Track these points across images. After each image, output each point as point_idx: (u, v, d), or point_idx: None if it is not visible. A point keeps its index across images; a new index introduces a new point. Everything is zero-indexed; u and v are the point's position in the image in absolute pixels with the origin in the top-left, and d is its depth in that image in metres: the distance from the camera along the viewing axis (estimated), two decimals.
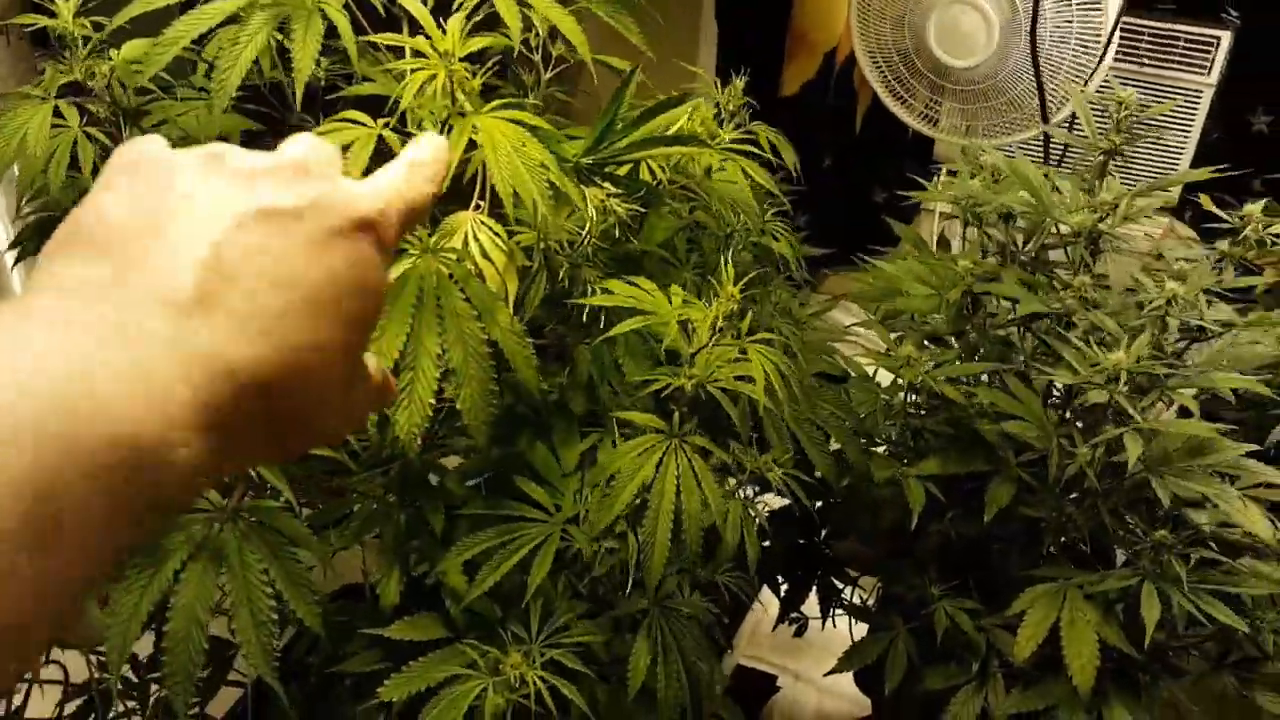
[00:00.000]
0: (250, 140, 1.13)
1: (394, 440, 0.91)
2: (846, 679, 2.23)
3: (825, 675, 1.49)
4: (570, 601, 0.98)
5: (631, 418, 0.94)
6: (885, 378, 1.45)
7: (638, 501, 0.90)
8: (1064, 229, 1.30)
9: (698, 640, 0.98)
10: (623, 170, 0.97)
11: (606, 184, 0.98)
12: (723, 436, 1.06)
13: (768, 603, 2.38)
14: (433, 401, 0.90)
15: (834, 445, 1.27)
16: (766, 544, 1.52)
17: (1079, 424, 1.28)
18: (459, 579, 0.95)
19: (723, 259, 0.94)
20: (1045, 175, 1.34)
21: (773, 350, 0.93)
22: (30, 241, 1.10)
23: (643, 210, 1.12)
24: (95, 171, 0.98)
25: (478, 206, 0.98)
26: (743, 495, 1.05)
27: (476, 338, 0.91)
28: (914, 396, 1.41)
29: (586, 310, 1.03)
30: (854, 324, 1.56)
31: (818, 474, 1.25)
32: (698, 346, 0.96)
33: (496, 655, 0.90)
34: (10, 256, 1.10)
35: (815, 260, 1.59)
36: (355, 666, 0.96)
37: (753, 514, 1.01)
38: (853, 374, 1.41)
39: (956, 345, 1.41)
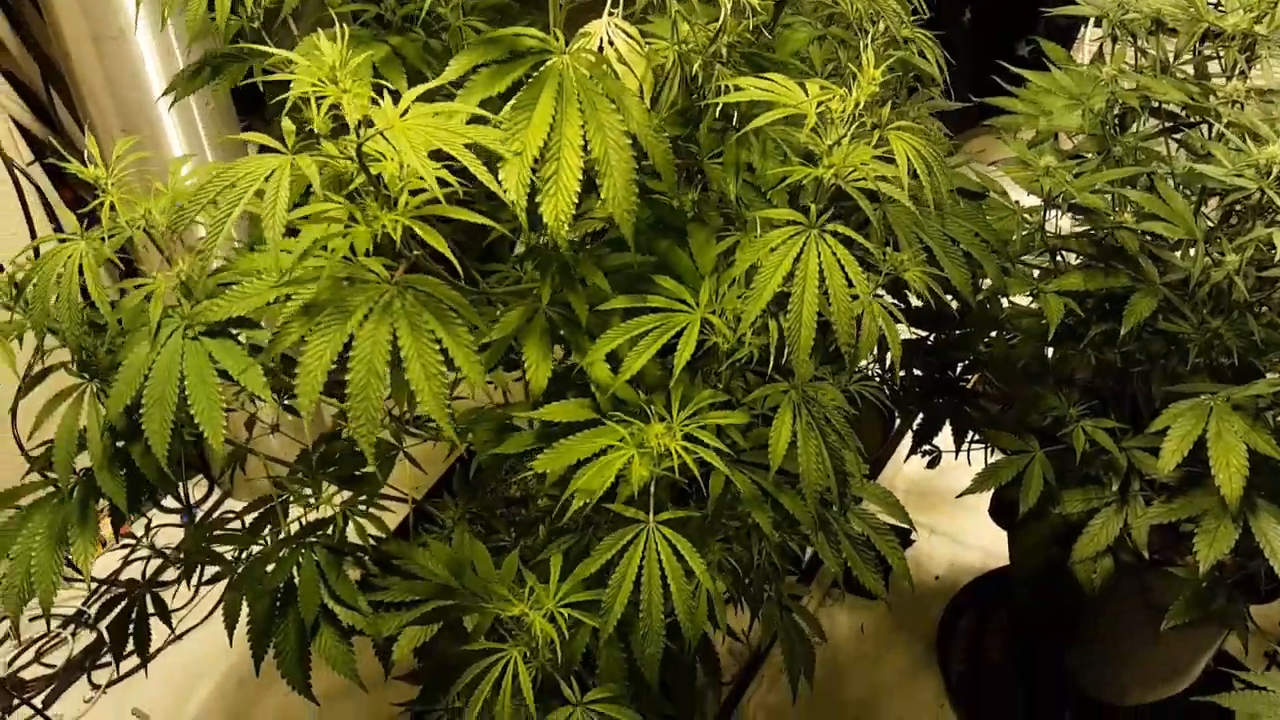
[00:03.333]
0: None
1: (543, 231, 0.95)
2: (980, 532, 2.25)
3: (959, 496, 1.51)
4: (709, 391, 1.02)
5: (770, 214, 0.96)
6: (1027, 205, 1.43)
7: (783, 291, 0.92)
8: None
9: (840, 428, 1.01)
10: None
11: None
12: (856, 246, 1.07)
13: (897, 467, 2.41)
14: (578, 189, 0.93)
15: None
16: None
17: (1228, 234, 1.24)
18: (604, 370, 1.00)
19: (861, 44, 0.94)
20: None
21: (914, 137, 0.93)
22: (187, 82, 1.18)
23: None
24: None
25: (611, 13, 1.00)
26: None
27: (616, 129, 0.94)
28: (1053, 215, 1.39)
29: (719, 111, 1.04)
30: (995, 162, 1.53)
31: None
32: (836, 137, 0.97)
33: (641, 429, 0.95)
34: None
35: (953, 120, 1.56)
36: (511, 448, 1.03)
37: (892, 312, 1.02)
38: (992, 193, 1.39)
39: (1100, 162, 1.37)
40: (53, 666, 2.09)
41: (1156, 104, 1.33)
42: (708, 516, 1.02)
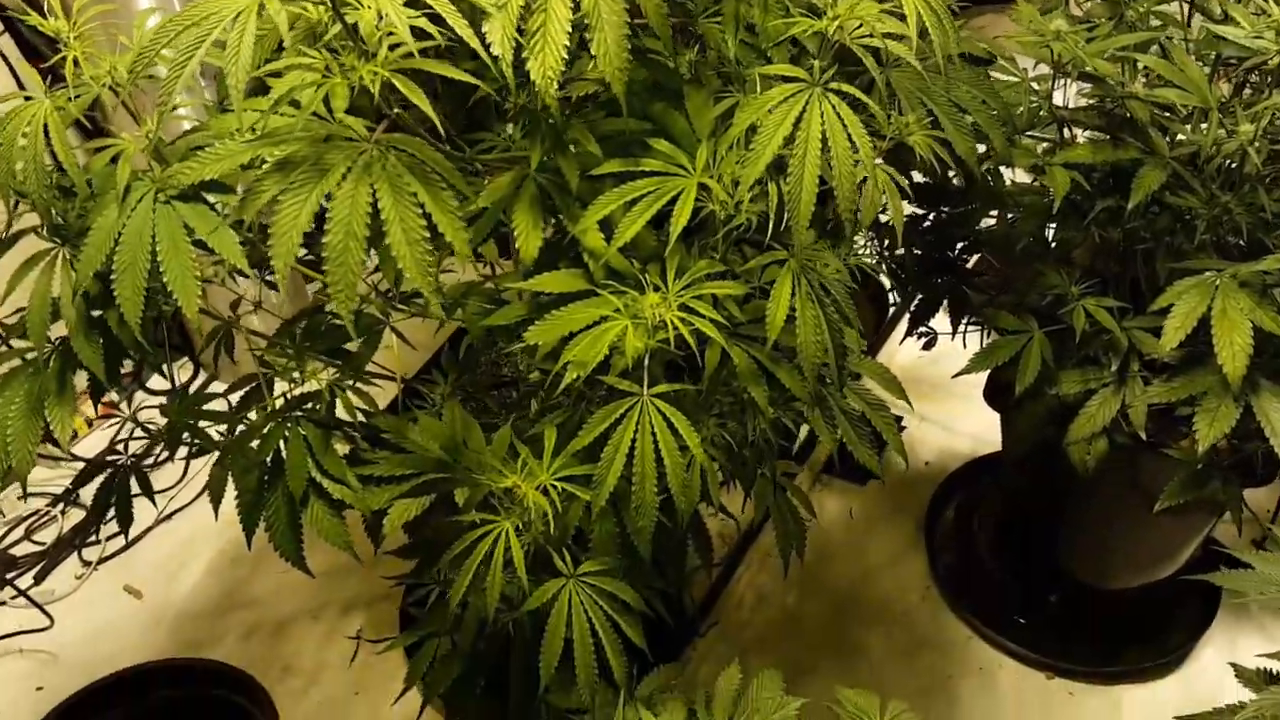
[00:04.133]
0: None
1: (530, 90, 0.90)
2: (970, 419, 2.25)
3: (954, 376, 1.49)
4: (706, 261, 0.98)
5: (770, 70, 0.91)
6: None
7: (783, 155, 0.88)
8: None
9: (840, 301, 0.98)
10: None
11: None
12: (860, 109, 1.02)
13: (890, 354, 2.40)
14: (566, 43, 0.88)
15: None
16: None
17: (1242, 105, 1.19)
18: (596, 238, 0.97)
19: None
20: None
21: None
22: None
23: None
24: None
25: None
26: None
27: None
28: (1062, 85, 1.33)
29: None
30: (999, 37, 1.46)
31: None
32: None
33: (636, 299, 0.92)
34: None
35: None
36: (502, 319, 1.00)
37: (895, 181, 0.98)
38: (1000, 59, 1.33)
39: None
40: (43, 544, 2.09)
41: None
42: (702, 391, 1.00)
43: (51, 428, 1.01)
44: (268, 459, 1.12)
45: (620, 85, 0.89)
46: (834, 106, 0.91)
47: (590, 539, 1.04)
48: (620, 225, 0.93)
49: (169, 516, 2.10)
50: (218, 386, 1.26)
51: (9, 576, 2.01)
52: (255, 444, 1.14)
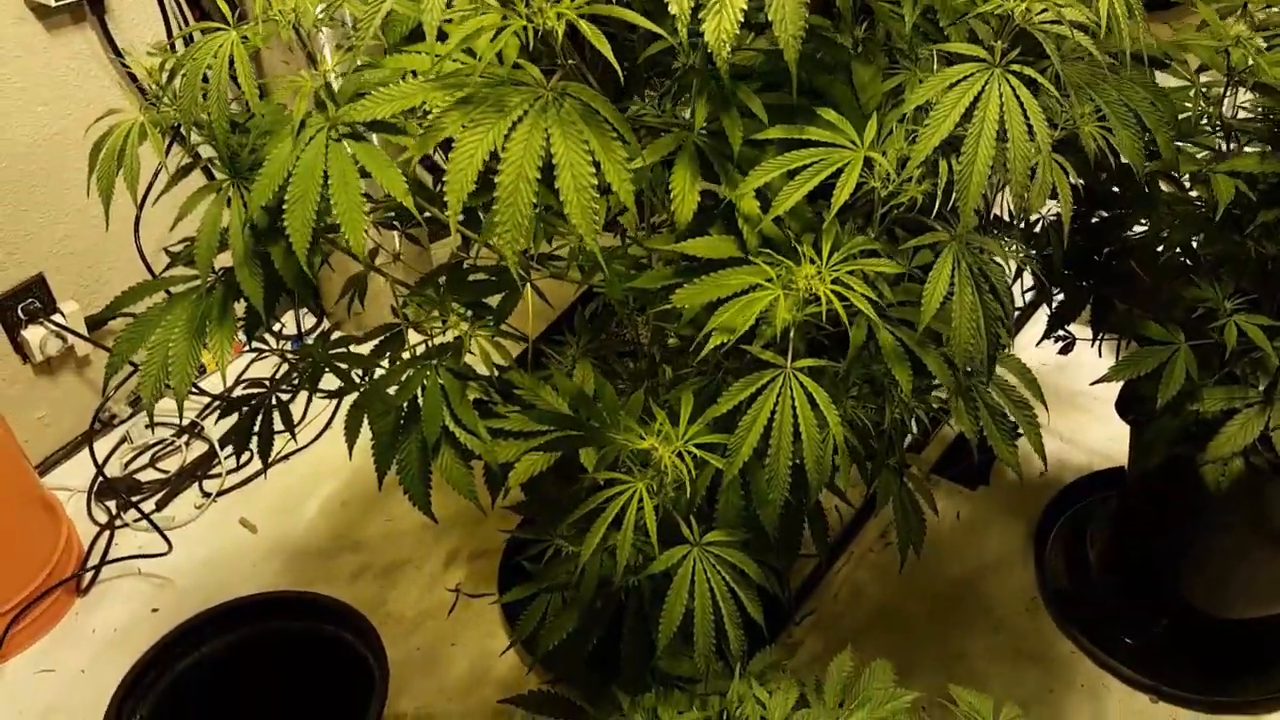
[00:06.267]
0: None
1: (699, 50, 0.90)
2: (1089, 432, 2.18)
3: (1093, 384, 1.45)
4: (862, 238, 0.97)
5: (950, 48, 0.90)
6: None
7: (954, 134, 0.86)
8: None
9: (999, 287, 0.96)
10: None
11: None
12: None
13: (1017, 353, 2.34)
14: (744, 8, 0.88)
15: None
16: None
17: None
18: (753, 204, 0.96)
19: None
20: None
21: None
22: None
23: None
24: None
25: None
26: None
27: None
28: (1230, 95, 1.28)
29: None
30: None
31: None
32: None
33: (790, 269, 0.91)
34: None
35: None
36: (649, 282, 1.00)
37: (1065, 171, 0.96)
38: (1171, 61, 1.28)
39: None
40: (167, 472, 2.18)
41: None
42: (843, 370, 0.98)
43: (210, 350, 1.04)
44: (404, 404, 1.14)
45: (793, 53, 0.88)
46: (1014, 89, 0.88)
47: (715, 510, 1.03)
48: (780, 194, 0.92)
49: (286, 457, 2.17)
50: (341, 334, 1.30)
51: (134, 500, 2.09)
52: (394, 389, 1.16)
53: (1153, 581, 1.85)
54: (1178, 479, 1.48)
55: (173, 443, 2.22)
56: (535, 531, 1.22)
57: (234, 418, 1.27)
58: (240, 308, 1.07)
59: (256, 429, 1.24)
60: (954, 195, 0.87)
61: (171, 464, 2.20)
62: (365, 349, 1.26)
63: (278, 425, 1.28)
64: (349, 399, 1.21)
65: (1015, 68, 0.89)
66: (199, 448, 2.22)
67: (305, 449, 2.20)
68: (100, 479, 2.12)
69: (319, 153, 0.95)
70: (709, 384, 1.04)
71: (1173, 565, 1.81)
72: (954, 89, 0.88)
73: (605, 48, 0.76)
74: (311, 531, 2.05)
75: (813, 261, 0.92)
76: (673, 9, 0.83)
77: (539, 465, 1.14)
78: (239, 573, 1.96)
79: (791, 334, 0.93)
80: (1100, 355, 1.60)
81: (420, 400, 1.15)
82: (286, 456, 2.17)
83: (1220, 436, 1.37)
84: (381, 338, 1.28)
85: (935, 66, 0.92)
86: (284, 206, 0.95)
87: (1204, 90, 1.32)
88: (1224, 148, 1.32)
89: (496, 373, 1.18)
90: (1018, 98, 0.88)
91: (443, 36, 0.89)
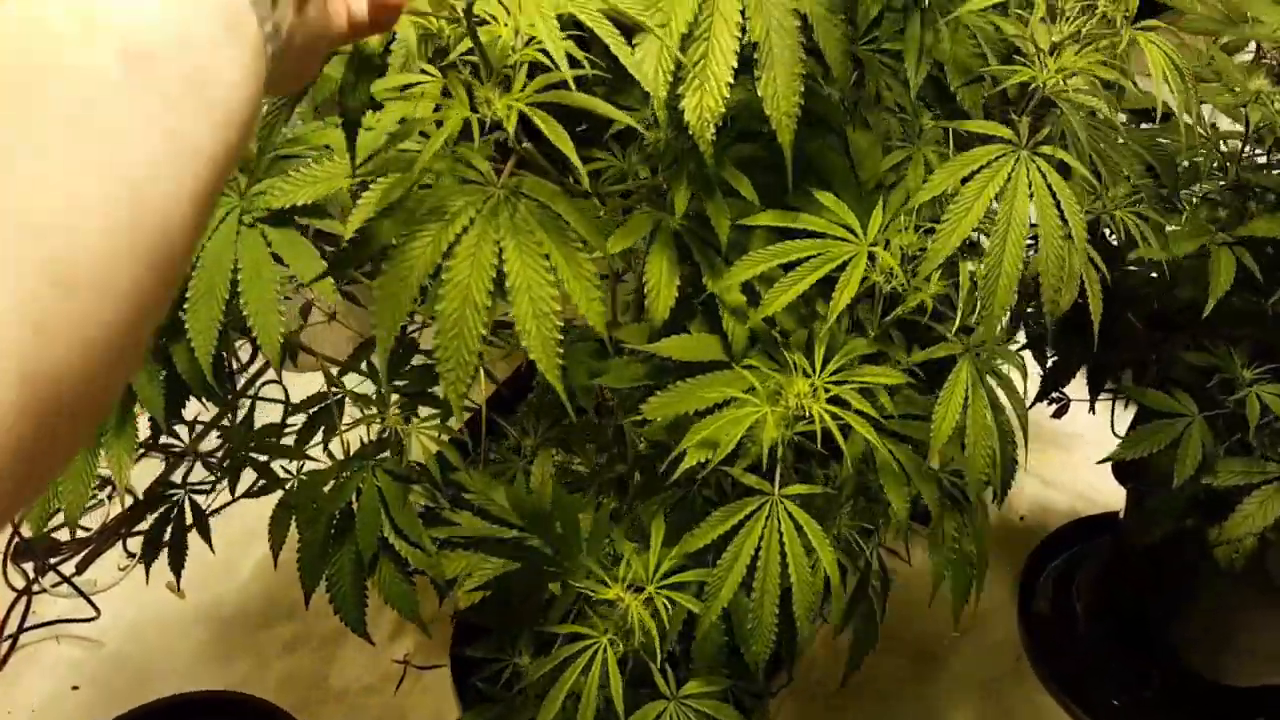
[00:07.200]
0: None
1: (681, 131, 0.77)
2: (1069, 474, 2.08)
3: (1100, 462, 1.33)
4: (862, 341, 0.84)
5: (971, 126, 0.77)
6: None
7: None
8: None
9: (1016, 406, 0.83)
10: None
11: None
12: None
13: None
14: (730, 82, 0.75)
15: None
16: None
17: None
18: (738, 297, 0.83)
19: None
20: None
21: (1165, 41, 0.73)
22: None
23: None
24: None
25: None
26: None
27: (783, 5, 0.75)
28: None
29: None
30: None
31: None
32: (1068, 33, 0.76)
33: (779, 381, 0.78)
34: None
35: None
36: (616, 381, 0.87)
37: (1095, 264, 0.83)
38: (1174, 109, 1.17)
39: None
40: (88, 529, 2.00)
41: None
42: (835, 487, 0.86)
43: (108, 467, 0.90)
44: (337, 512, 1.00)
45: (788, 134, 0.75)
46: (1044, 175, 0.76)
47: (692, 644, 0.90)
48: (771, 291, 0.78)
49: (216, 511, 2.00)
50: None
51: (53, 563, 1.92)
52: (326, 489, 1.02)
53: (1143, 639, 1.75)
54: (1179, 542, 1.38)
55: (96, 499, 2.04)
56: (490, 648, 1.08)
57: (146, 522, 1.12)
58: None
59: (166, 538, 1.09)
60: (979, 303, 0.75)
61: (93, 519, 2.02)
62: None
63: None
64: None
65: (1045, 149, 0.77)
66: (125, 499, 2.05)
67: (236, 502, 2.04)
68: (15, 539, 1.94)
69: (228, 241, 0.81)
70: (683, 498, 0.91)
71: (1167, 625, 1.71)
72: (976, 177, 0.75)
73: (568, 147, 0.62)
74: (244, 595, 1.89)
75: (806, 375, 0.79)
76: (647, 86, 0.70)
77: (490, 576, 1.00)
78: (165, 645, 1.80)
79: (779, 454, 0.79)
80: (1093, 412, 1.49)
81: (355, 506, 1.01)
82: (217, 510, 2.00)
83: (1236, 516, 1.26)
84: (312, 411, 1.14)
85: (950, 144, 0.79)
86: (185, 304, 0.80)
87: (1213, 139, 1.21)
88: (1241, 207, 1.21)
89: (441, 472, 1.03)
90: (1049, 187, 0.76)
91: (376, 105, 0.75)
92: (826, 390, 0.80)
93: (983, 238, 0.76)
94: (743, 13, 0.74)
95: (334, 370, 1.14)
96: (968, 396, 0.80)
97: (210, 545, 1.18)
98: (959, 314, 0.77)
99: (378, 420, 1.00)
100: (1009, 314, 1.14)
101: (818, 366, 0.82)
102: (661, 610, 0.81)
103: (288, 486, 1.07)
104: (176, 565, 1.12)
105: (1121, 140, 0.94)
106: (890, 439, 0.87)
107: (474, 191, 0.67)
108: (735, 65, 0.74)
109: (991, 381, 0.82)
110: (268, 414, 1.22)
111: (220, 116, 0.37)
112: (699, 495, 0.90)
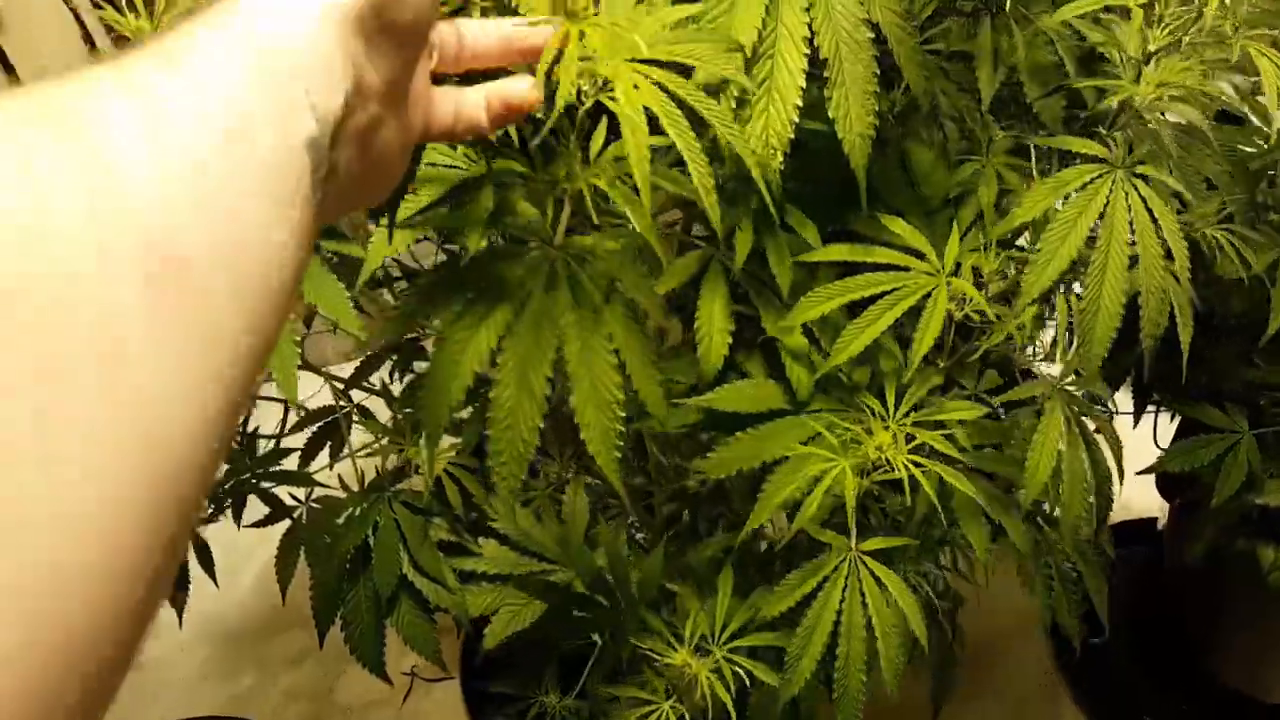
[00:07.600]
0: None
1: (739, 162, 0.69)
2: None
3: (1140, 473, 1.27)
4: (930, 371, 0.77)
5: (1061, 143, 0.69)
6: None
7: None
8: None
9: (1110, 440, 0.76)
10: None
11: None
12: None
13: None
14: (798, 103, 0.67)
15: None
16: None
17: None
18: (800, 340, 0.75)
19: None
20: None
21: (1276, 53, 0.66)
22: None
23: None
24: None
25: None
26: None
27: (854, 17, 0.67)
28: None
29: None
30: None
31: None
32: (1158, 44, 0.69)
33: (854, 430, 0.70)
34: None
35: None
36: (664, 428, 0.79)
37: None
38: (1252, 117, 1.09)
39: None
40: None
41: None
42: (912, 539, 0.78)
43: None
44: (353, 548, 0.92)
45: (861, 159, 0.68)
46: (1143, 198, 0.68)
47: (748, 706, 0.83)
48: (844, 335, 0.71)
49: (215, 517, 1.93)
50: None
51: None
52: (340, 521, 0.94)
53: (1178, 654, 1.70)
54: (1219, 557, 1.32)
55: None
56: (514, 683, 1.01)
57: None
58: None
59: None
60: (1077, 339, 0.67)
61: None
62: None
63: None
64: None
65: (1144, 169, 0.69)
66: None
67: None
68: None
69: None
70: (749, 545, 0.84)
71: (1204, 638, 1.65)
72: (1072, 200, 0.68)
73: (651, 235, 0.53)
74: (247, 607, 1.82)
75: (883, 421, 0.72)
76: (707, 116, 0.61)
77: (522, 619, 0.93)
78: (164, 659, 1.73)
79: (853, 506, 0.72)
80: (1135, 427, 1.42)
81: (372, 541, 0.94)
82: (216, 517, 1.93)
83: None
84: (317, 426, 1.07)
85: (1035, 164, 0.72)
86: None
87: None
88: None
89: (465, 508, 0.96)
90: (1149, 210, 0.68)
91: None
92: (908, 438, 0.72)
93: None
94: (810, 25, 0.66)
95: (333, 371, 1.07)
96: (1061, 444, 0.72)
97: (214, 580, 1.11)
98: (1058, 351, 0.69)
99: (396, 451, 0.92)
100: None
101: (890, 408, 0.74)
102: (730, 679, 0.74)
103: (296, 515, 0.99)
104: (179, 604, 1.05)
105: (1208, 152, 0.86)
106: (965, 472, 0.81)
107: (531, 259, 0.58)
108: (803, 85, 0.66)
109: (1087, 421, 0.75)
110: (268, 414, 1.15)
111: (257, 321, 0.29)
112: (760, 542, 0.83)
